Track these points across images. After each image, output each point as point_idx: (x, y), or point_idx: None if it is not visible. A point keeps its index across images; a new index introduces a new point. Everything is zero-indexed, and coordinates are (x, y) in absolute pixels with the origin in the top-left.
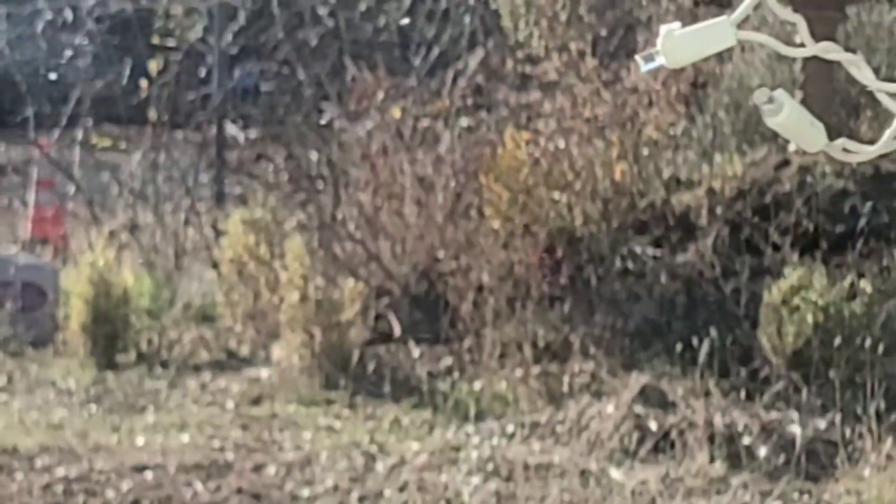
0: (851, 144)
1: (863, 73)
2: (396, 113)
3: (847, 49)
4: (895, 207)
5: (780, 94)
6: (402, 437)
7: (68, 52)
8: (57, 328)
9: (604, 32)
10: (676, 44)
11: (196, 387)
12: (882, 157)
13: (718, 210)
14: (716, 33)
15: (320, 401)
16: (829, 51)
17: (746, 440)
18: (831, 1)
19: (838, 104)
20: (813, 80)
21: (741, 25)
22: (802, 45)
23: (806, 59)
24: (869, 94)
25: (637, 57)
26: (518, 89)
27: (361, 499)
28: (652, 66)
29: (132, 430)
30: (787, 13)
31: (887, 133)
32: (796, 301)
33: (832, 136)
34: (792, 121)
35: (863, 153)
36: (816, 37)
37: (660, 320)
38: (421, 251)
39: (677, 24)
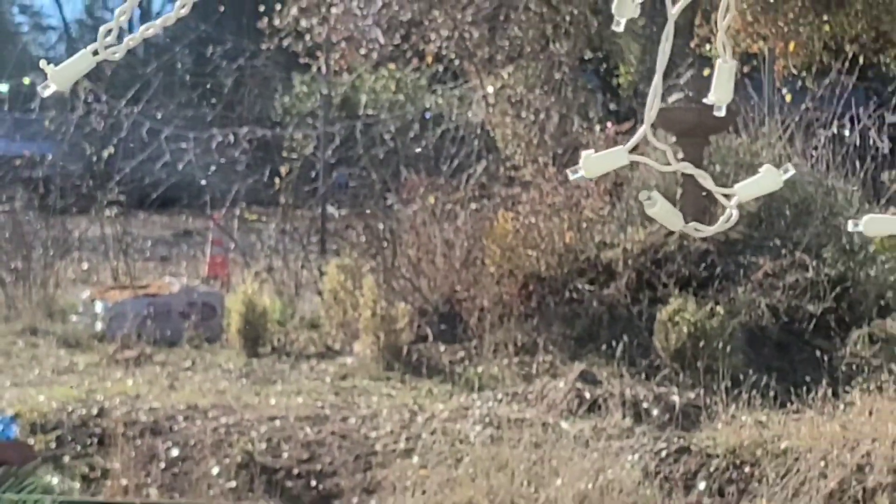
0: (698, 226)
1: (706, 182)
2: (431, 200)
3: (709, 163)
4: (738, 261)
5: (654, 194)
6: (432, 400)
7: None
8: (222, 331)
9: (560, 151)
10: (591, 163)
11: (307, 368)
12: (732, 226)
13: (630, 262)
14: (615, 156)
15: (383, 377)
16: (686, 168)
17: (645, 405)
18: (700, 132)
19: (704, 197)
20: (689, 180)
21: (633, 151)
22: (668, 163)
23: None
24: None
25: (568, 171)
26: (506, 186)
27: (407, 438)
28: (576, 176)
29: (268, 395)
30: (659, 143)
31: (721, 219)
32: (677, 319)
33: (699, 218)
34: (662, 211)
35: (705, 231)
36: (690, 156)
37: (592, 330)
38: (446, 286)
39: (591, 151)
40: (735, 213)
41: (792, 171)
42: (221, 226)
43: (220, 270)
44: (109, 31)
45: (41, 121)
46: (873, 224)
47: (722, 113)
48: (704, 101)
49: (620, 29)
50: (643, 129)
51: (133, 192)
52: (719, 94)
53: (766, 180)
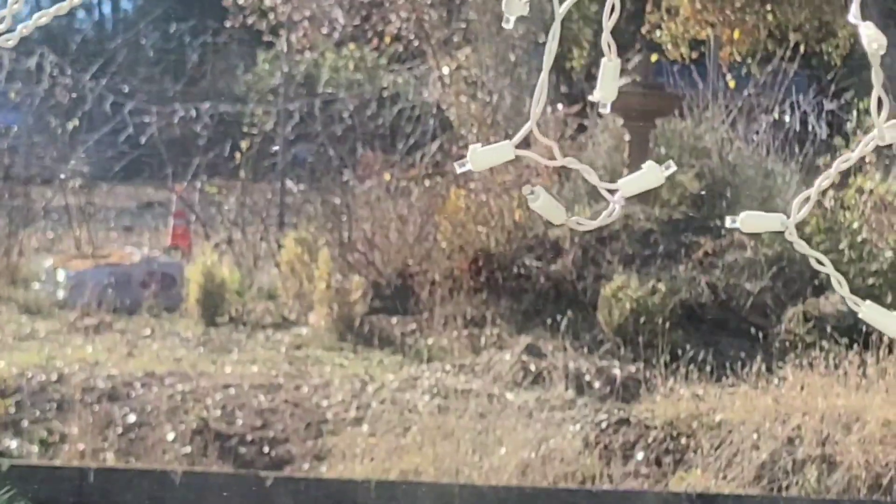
0: (581, 219)
1: (590, 177)
2: (387, 177)
3: (655, 146)
4: (680, 240)
5: (538, 188)
6: (383, 371)
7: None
8: (181, 300)
9: (511, 131)
10: (477, 156)
11: (263, 338)
12: (675, 207)
13: (576, 240)
14: (502, 151)
15: (336, 348)
16: (571, 163)
17: (587, 377)
18: (647, 116)
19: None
20: (636, 162)
21: (519, 146)
22: (554, 158)
23: (631, 148)
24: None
25: (455, 164)
26: (458, 160)
27: (358, 407)
28: (463, 169)
29: (224, 363)
30: (545, 140)
31: (604, 213)
32: (620, 295)
33: (647, 199)
34: (545, 205)
35: (587, 225)
36: (637, 138)
37: (539, 305)
38: (398, 260)
39: (479, 144)
40: (618, 207)
41: (673, 168)
42: (184, 198)
43: (182, 241)
44: (2, 19)
45: (6, 93)
46: (750, 221)
47: (607, 111)
48: (589, 98)
49: (509, 26)
50: (528, 126)
51: (96, 164)
52: (604, 92)
53: (649, 176)
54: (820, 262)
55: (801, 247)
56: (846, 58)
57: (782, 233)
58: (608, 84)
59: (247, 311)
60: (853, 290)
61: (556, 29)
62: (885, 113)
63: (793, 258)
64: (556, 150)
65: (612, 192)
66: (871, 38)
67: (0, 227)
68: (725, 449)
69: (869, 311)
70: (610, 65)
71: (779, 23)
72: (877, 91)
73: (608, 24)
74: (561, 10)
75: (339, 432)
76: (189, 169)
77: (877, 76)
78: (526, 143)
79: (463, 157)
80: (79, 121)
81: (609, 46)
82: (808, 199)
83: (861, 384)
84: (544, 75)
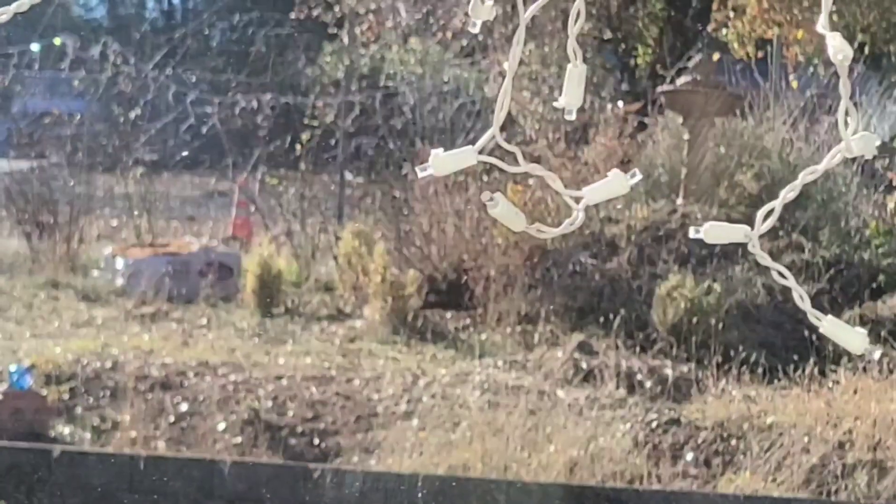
0: (542, 227)
1: (555, 184)
2: None
3: (715, 145)
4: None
5: (497, 195)
6: (435, 365)
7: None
8: (238, 291)
9: (570, 128)
10: (440, 161)
11: (317, 330)
12: (733, 207)
13: (632, 238)
14: (464, 156)
15: (389, 341)
16: (535, 169)
17: (639, 377)
18: (706, 114)
19: (711, 172)
20: (695, 160)
21: (482, 152)
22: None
23: (690, 146)
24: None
25: (417, 168)
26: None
27: (409, 401)
28: (425, 174)
29: (277, 354)
30: (509, 147)
31: (566, 222)
32: (675, 294)
33: (702, 198)
34: (504, 212)
35: (549, 233)
36: (696, 137)
37: (593, 302)
38: (455, 255)
39: (441, 150)
40: (581, 214)
41: (639, 177)
42: (245, 189)
43: (243, 232)
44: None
45: (70, 81)
46: (713, 231)
47: (572, 117)
48: (555, 104)
49: (476, 30)
50: (491, 132)
51: (158, 153)
52: (569, 98)
53: (614, 185)
54: (782, 275)
55: (763, 258)
56: None
57: (843, 235)
58: (573, 90)
59: (303, 302)
60: None
61: (520, 33)
62: (853, 124)
63: (851, 261)
64: (519, 155)
65: (577, 200)
66: (837, 48)
67: (62, 215)
68: (775, 452)
69: (830, 326)
70: (575, 71)
71: (846, 23)
72: (844, 102)
73: (573, 29)
74: (526, 15)
75: (389, 426)
76: (250, 160)
77: (844, 87)
78: (585, 140)
79: (523, 154)
80: (141, 110)
81: (574, 53)
82: (772, 210)
83: None
84: (508, 81)
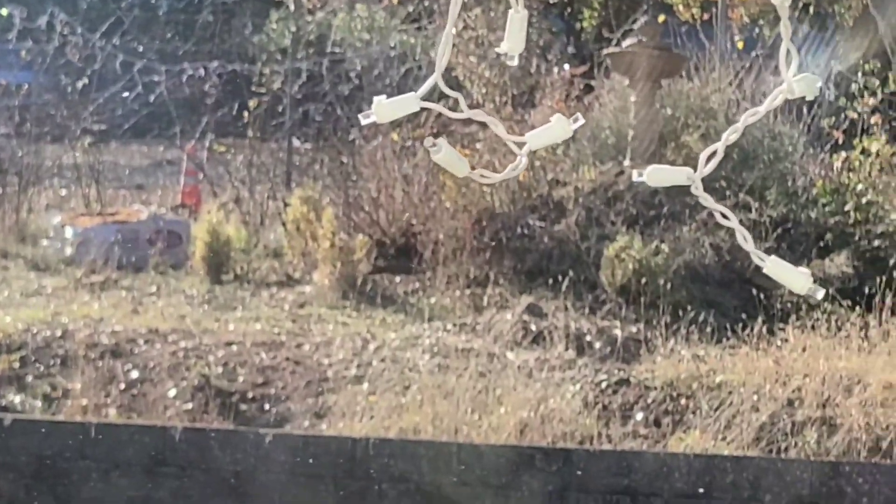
0: (485, 172)
1: (497, 130)
2: (394, 136)
3: (661, 107)
4: (684, 201)
5: (440, 141)
6: (385, 329)
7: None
8: (187, 258)
9: (516, 91)
10: (382, 108)
11: (267, 296)
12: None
13: (580, 200)
14: (406, 102)
15: (339, 306)
16: (477, 115)
17: (588, 338)
18: (652, 76)
19: (658, 134)
20: (641, 123)
21: (425, 98)
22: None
23: (636, 108)
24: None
25: (360, 115)
26: (465, 124)
27: (359, 365)
28: (367, 121)
29: (227, 321)
30: (451, 92)
31: (510, 166)
32: (623, 255)
33: (650, 158)
34: (446, 158)
35: (492, 178)
36: (642, 99)
37: (542, 264)
38: (403, 219)
39: (384, 97)
40: (524, 160)
41: (581, 122)
42: (193, 157)
43: (192, 199)
44: None
45: (18, 51)
46: (656, 174)
47: (514, 63)
48: (497, 49)
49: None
50: (433, 78)
51: (106, 123)
52: (511, 44)
53: (556, 130)
54: (724, 216)
55: (706, 200)
56: (858, 19)
57: (790, 195)
58: (515, 35)
59: (252, 269)
60: (859, 253)
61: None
62: (794, 66)
63: (798, 221)
64: (462, 102)
65: (520, 146)
66: None
67: (10, 185)
68: (725, 410)
69: (773, 267)
70: (517, 16)
71: None
72: (785, 44)
73: None
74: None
75: (339, 390)
76: (198, 128)
77: (785, 29)
78: (531, 103)
79: (467, 119)
80: (88, 79)
81: None
82: (714, 153)
83: (863, 346)
84: (449, 28)
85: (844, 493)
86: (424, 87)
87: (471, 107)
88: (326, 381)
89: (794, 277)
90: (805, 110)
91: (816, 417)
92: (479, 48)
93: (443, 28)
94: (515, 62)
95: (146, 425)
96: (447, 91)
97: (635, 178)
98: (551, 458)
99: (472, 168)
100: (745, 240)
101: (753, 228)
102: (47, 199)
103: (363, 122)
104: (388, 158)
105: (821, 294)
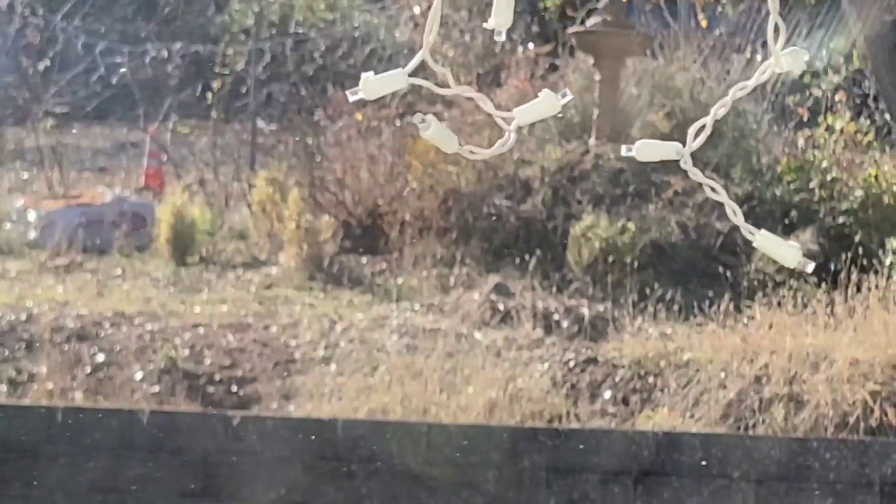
0: (474, 148)
1: (485, 106)
2: (359, 117)
3: (626, 85)
4: (650, 179)
5: (429, 117)
6: (352, 310)
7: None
8: (152, 241)
9: (481, 70)
10: (370, 84)
11: (233, 277)
12: None
13: (546, 179)
14: (395, 79)
15: (305, 287)
16: (466, 91)
17: (556, 317)
18: (617, 55)
19: (623, 113)
20: (605, 101)
21: (412, 74)
22: (448, 87)
23: (601, 87)
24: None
25: (348, 91)
26: (430, 103)
27: (326, 346)
28: (355, 97)
29: (193, 303)
30: (438, 68)
31: (499, 142)
32: (589, 234)
33: (615, 137)
34: (435, 134)
35: (480, 154)
36: (607, 77)
37: (508, 244)
38: (369, 200)
39: (371, 73)
40: (513, 136)
41: (569, 97)
42: (157, 138)
43: (156, 182)
44: None
45: None
46: (645, 149)
47: (502, 38)
48: (485, 25)
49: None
50: (421, 53)
51: (69, 105)
52: (499, 19)
53: (544, 105)
54: (714, 190)
55: (695, 174)
56: None
57: (755, 172)
58: (502, 11)
59: (217, 250)
60: (824, 230)
61: None
62: (781, 40)
63: (763, 198)
64: (449, 77)
65: (507, 121)
66: None
67: None
68: (693, 388)
69: (764, 241)
70: None
71: None
72: (773, 18)
73: None
74: None
75: (307, 372)
76: (161, 109)
77: (773, 3)
78: (497, 83)
79: (435, 97)
80: (50, 61)
81: None
82: (703, 127)
83: (829, 323)
84: (437, 3)
85: (812, 468)
86: (412, 63)
87: (439, 88)
88: (294, 363)
89: (784, 251)
90: (769, 87)
91: (783, 394)
92: (443, 27)
93: (406, 9)
94: (503, 38)
95: (113, 409)
96: (435, 67)
97: (624, 152)
98: (520, 437)
99: (461, 144)
100: (734, 214)
101: (719, 206)
102: (9, 182)
103: (351, 98)
104: (353, 139)
105: (811, 267)
